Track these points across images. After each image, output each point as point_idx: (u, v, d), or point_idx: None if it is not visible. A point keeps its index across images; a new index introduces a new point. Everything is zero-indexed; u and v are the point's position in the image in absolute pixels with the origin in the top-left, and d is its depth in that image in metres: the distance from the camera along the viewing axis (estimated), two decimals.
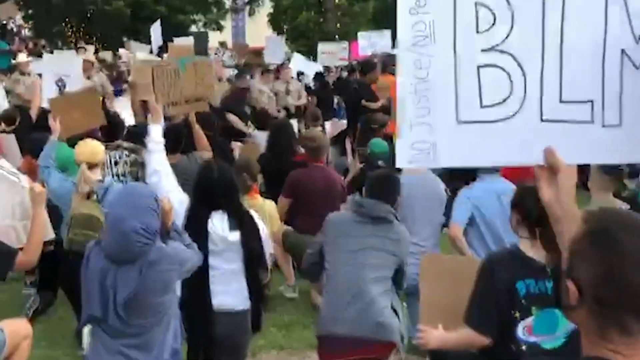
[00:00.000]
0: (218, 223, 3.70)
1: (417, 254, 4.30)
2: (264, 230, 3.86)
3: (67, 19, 29.31)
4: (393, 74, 9.09)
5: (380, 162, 6.83)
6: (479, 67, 1.96)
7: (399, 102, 2.00)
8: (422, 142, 1.98)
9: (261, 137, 8.14)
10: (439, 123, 1.97)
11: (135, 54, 12.19)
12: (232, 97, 10.21)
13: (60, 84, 8.84)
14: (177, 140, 5.56)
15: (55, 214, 5.10)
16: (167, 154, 4.24)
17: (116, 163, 6.39)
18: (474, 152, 1.99)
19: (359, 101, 9.63)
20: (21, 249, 3.84)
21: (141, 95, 7.52)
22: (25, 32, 15.41)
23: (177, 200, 3.76)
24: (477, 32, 1.95)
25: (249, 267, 3.74)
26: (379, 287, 3.85)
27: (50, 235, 4.75)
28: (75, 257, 4.89)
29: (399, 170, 4.94)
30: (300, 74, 12.84)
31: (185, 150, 5.83)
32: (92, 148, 5.12)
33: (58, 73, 8.94)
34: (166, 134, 4.72)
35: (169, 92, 4.42)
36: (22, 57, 11.52)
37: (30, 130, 7.84)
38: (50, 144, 5.33)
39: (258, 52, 19.64)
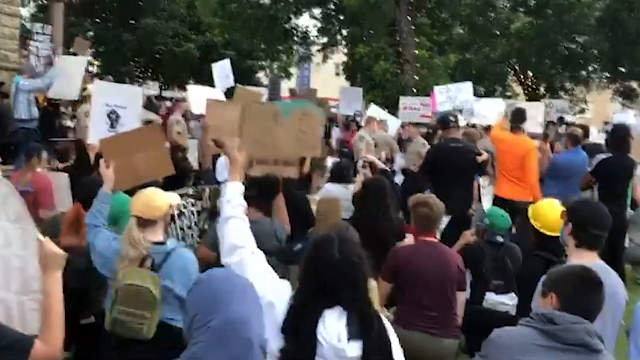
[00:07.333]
0: (332, 327, 2.41)
1: None
2: (396, 342, 2.60)
3: (136, 58, 29.39)
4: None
5: (499, 238, 5.59)
6: None
7: None
8: None
9: (340, 192, 6.88)
10: None
11: (206, 93, 11.03)
12: None
13: (113, 116, 7.01)
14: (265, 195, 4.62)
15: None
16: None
17: (180, 214, 5.36)
18: None
19: None
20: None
21: (212, 138, 6.41)
22: (94, 68, 14.90)
23: (276, 292, 2.52)
24: None
25: None
26: None
27: None
28: (119, 342, 3.80)
29: None
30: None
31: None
32: (149, 199, 3.88)
33: (111, 103, 6.96)
34: (249, 186, 3.65)
35: (258, 140, 3.19)
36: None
37: (87, 173, 6.70)
38: (100, 197, 4.09)
39: (323, 102, 18.80)
